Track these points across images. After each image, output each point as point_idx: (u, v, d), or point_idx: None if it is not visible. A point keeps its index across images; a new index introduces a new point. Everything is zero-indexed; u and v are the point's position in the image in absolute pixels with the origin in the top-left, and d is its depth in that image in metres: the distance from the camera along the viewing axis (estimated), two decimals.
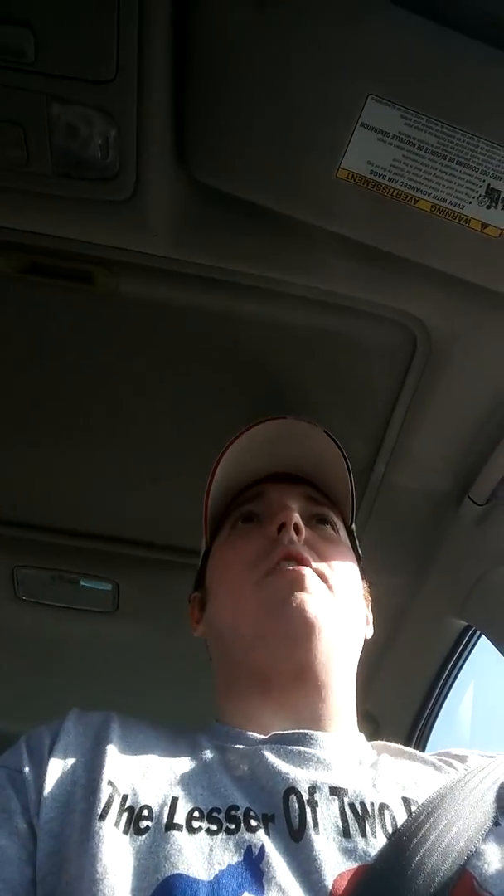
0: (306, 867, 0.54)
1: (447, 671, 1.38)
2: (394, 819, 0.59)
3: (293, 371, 0.97)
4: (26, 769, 0.62)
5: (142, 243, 0.79)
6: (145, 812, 0.58)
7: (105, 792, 0.59)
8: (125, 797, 0.59)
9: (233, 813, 0.59)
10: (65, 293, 0.88)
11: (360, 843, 0.57)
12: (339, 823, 0.58)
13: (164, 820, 0.57)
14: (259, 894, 0.52)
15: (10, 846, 0.56)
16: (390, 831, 0.58)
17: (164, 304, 0.89)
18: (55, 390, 1.02)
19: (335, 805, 0.60)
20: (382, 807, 0.60)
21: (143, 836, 0.56)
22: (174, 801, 0.59)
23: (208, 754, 0.67)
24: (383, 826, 0.58)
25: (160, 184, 0.72)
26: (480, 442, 1.01)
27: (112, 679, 1.64)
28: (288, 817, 0.58)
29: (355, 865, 0.55)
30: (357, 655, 0.81)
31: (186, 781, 0.62)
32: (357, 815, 0.59)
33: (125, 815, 0.58)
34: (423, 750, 1.48)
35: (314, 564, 0.77)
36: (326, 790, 0.61)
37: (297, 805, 0.59)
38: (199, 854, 0.54)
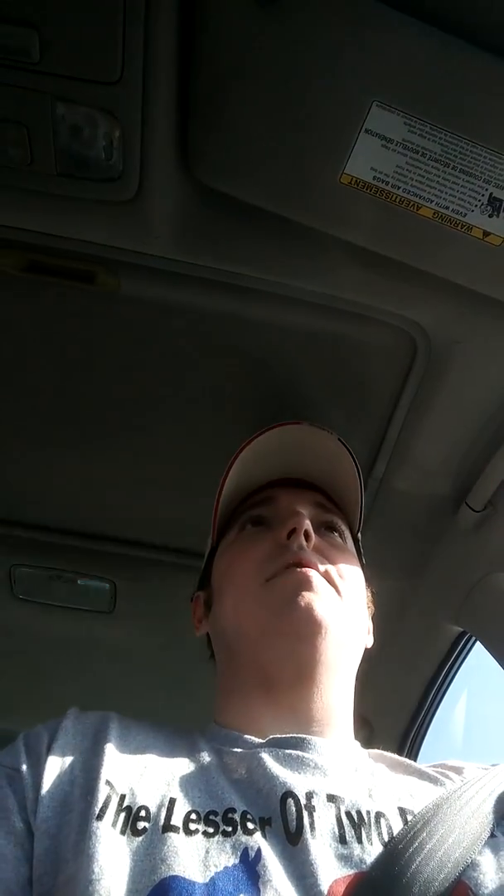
0: (302, 871, 0.54)
1: (442, 677, 1.38)
2: (390, 828, 0.59)
3: (294, 374, 0.97)
4: (24, 768, 0.62)
5: (144, 244, 0.80)
6: (143, 813, 0.58)
7: (103, 792, 0.59)
8: (123, 797, 0.59)
9: (230, 815, 0.59)
10: (66, 293, 0.88)
11: (357, 850, 0.57)
12: (336, 830, 0.58)
13: (162, 821, 0.57)
14: None
15: (6, 845, 0.56)
16: (386, 840, 0.58)
17: (166, 306, 0.89)
18: (55, 390, 1.02)
19: (332, 811, 0.60)
20: (379, 815, 0.60)
21: (140, 838, 0.56)
22: (172, 802, 0.59)
23: (206, 757, 0.67)
24: (379, 834, 0.58)
25: (163, 185, 0.72)
26: (479, 448, 1.02)
27: (108, 678, 1.64)
28: (285, 821, 0.58)
29: (351, 872, 0.55)
30: (357, 663, 0.82)
31: (184, 783, 0.62)
32: (353, 823, 0.59)
33: (122, 815, 0.58)
34: (416, 755, 1.50)
35: (322, 568, 0.77)
36: (324, 796, 0.61)
37: (294, 809, 0.59)
38: (196, 856, 0.54)
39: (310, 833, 0.57)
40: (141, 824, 0.57)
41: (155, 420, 1.05)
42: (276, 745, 0.68)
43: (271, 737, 0.69)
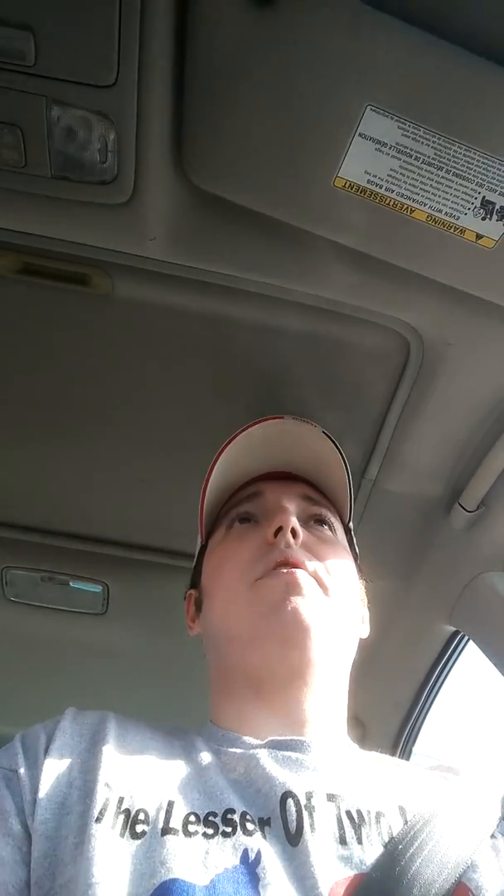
0: (302, 872, 0.54)
1: (435, 676, 1.38)
2: (390, 827, 0.59)
3: (287, 376, 0.97)
4: (21, 769, 0.62)
5: (138, 247, 0.80)
6: (141, 816, 0.58)
7: (101, 794, 0.59)
8: (121, 800, 0.59)
9: (229, 816, 0.58)
10: (60, 295, 0.88)
11: (357, 851, 0.56)
12: (336, 831, 0.58)
13: (161, 824, 0.57)
14: None
15: (4, 847, 0.56)
16: (386, 840, 0.58)
17: (160, 308, 0.89)
18: (47, 392, 1.02)
19: (332, 811, 0.60)
20: (379, 815, 0.60)
21: (139, 841, 0.55)
22: (170, 804, 0.59)
23: (204, 757, 0.67)
24: (380, 834, 0.58)
25: (158, 188, 0.72)
26: (472, 448, 1.02)
27: (101, 680, 1.63)
28: (285, 821, 0.58)
29: (351, 874, 0.55)
30: (352, 657, 0.81)
31: (183, 785, 0.62)
32: (353, 823, 0.59)
33: (121, 817, 0.57)
34: (408, 755, 1.50)
35: (310, 567, 0.76)
36: (323, 796, 0.61)
37: (294, 809, 0.59)
38: (196, 858, 0.54)
39: (310, 833, 0.57)
40: (140, 827, 0.57)
41: (148, 421, 1.05)
42: (274, 746, 0.67)
43: (270, 738, 0.69)
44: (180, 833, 0.56)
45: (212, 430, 0.96)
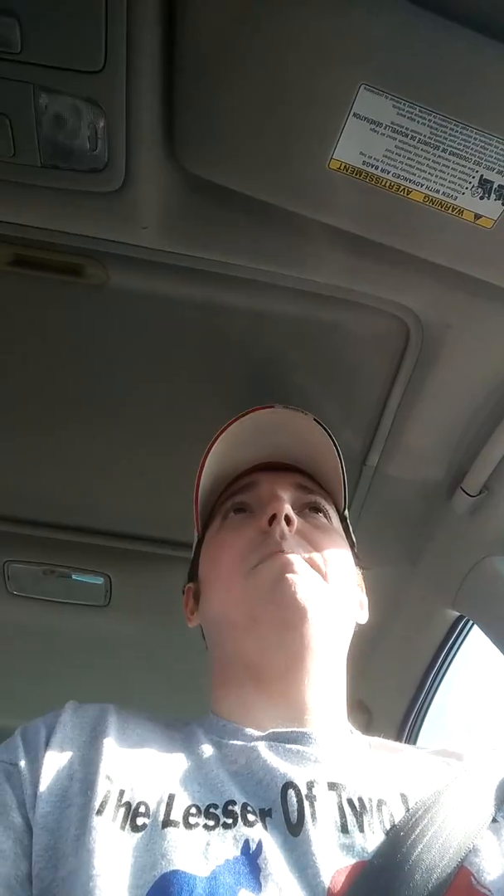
0: (304, 862, 0.54)
1: (440, 661, 1.38)
2: (391, 815, 0.59)
3: (286, 362, 0.97)
4: (22, 762, 0.62)
5: (131, 235, 0.79)
6: (142, 808, 0.58)
7: (102, 787, 0.59)
8: (122, 792, 0.59)
9: (230, 808, 0.58)
10: (54, 286, 0.87)
11: (358, 839, 0.56)
12: (338, 819, 0.58)
13: (161, 817, 0.57)
14: (256, 890, 0.52)
15: (5, 840, 0.56)
16: (388, 827, 0.58)
17: (155, 297, 0.88)
18: (44, 384, 1.01)
19: (333, 800, 0.60)
20: (380, 802, 0.60)
21: (140, 834, 0.56)
22: (171, 797, 0.59)
23: (205, 749, 0.67)
24: (381, 822, 0.58)
25: (150, 175, 0.71)
26: (473, 432, 1.02)
27: (105, 672, 1.64)
28: (286, 811, 0.58)
29: (353, 862, 0.55)
30: (349, 641, 0.81)
31: (183, 777, 0.62)
32: (355, 811, 0.59)
33: (122, 810, 0.57)
34: (415, 740, 1.51)
35: (305, 553, 0.77)
36: (324, 785, 0.61)
37: (295, 800, 0.59)
38: (197, 850, 0.54)
39: (311, 823, 0.57)
40: (140, 820, 0.57)
41: (146, 411, 1.04)
42: (275, 738, 0.67)
43: (271, 731, 0.69)
44: (181, 825, 0.56)
45: (211, 419, 0.95)
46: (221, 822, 0.57)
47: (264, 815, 0.58)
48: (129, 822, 0.57)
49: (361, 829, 0.57)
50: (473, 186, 0.66)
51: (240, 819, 0.57)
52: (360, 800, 0.60)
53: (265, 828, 0.57)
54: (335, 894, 0.52)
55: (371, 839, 0.57)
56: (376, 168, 0.66)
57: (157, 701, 1.57)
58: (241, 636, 0.76)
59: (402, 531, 1.21)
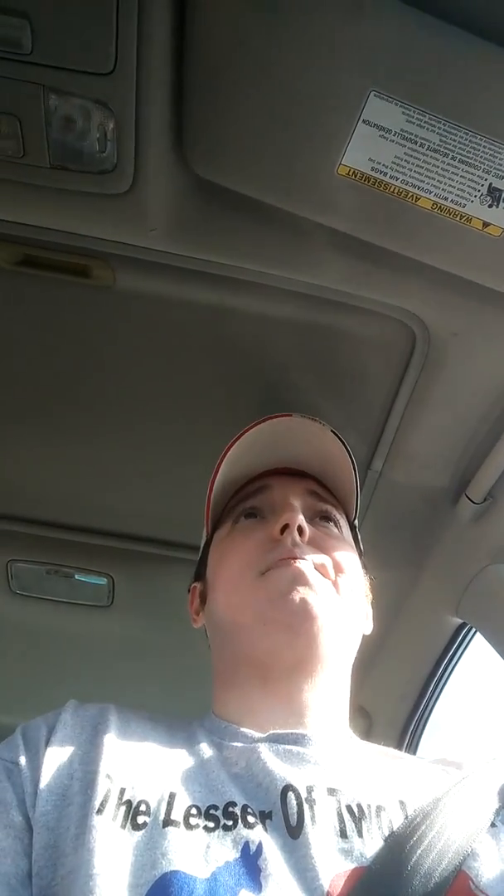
0: (303, 865, 0.54)
1: (442, 669, 1.38)
2: (390, 821, 0.59)
3: (291, 366, 0.97)
4: (23, 761, 0.62)
5: (139, 237, 0.79)
6: (143, 807, 0.58)
7: (102, 785, 0.59)
8: (122, 791, 0.59)
9: (230, 809, 0.59)
10: (61, 287, 0.87)
11: (357, 844, 0.56)
12: (337, 824, 0.58)
13: (162, 816, 0.57)
14: (256, 891, 0.52)
15: (5, 839, 0.56)
16: (386, 833, 0.58)
17: (162, 299, 0.88)
18: (50, 384, 1.01)
19: (333, 805, 0.60)
20: (379, 808, 0.60)
21: (141, 832, 0.56)
22: (172, 797, 0.59)
23: (206, 750, 0.67)
24: (380, 828, 0.58)
25: (158, 178, 0.71)
26: (478, 440, 1.01)
27: (107, 673, 1.64)
28: (286, 814, 0.58)
29: (352, 867, 0.55)
30: (354, 652, 0.81)
31: (184, 778, 0.62)
32: (354, 816, 0.59)
33: (122, 809, 0.58)
34: (416, 747, 1.50)
35: (317, 562, 0.77)
36: (324, 789, 0.61)
37: (295, 802, 0.59)
38: (197, 851, 0.54)
39: (311, 826, 0.57)
40: (141, 819, 0.57)
41: (151, 413, 1.04)
42: (275, 740, 0.67)
43: (271, 732, 0.69)
44: (181, 826, 0.56)
45: (215, 421, 0.95)
46: (222, 823, 0.57)
47: (264, 817, 0.58)
48: (129, 820, 0.57)
49: (360, 835, 0.57)
50: (482, 195, 0.66)
51: (240, 821, 0.57)
52: (359, 806, 0.60)
53: (265, 830, 0.57)
54: None
55: (370, 845, 0.57)
56: (385, 174, 0.66)
57: (158, 701, 1.57)
58: (248, 636, 0.76)
59: (406, 537, 1.21)
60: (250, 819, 0.58)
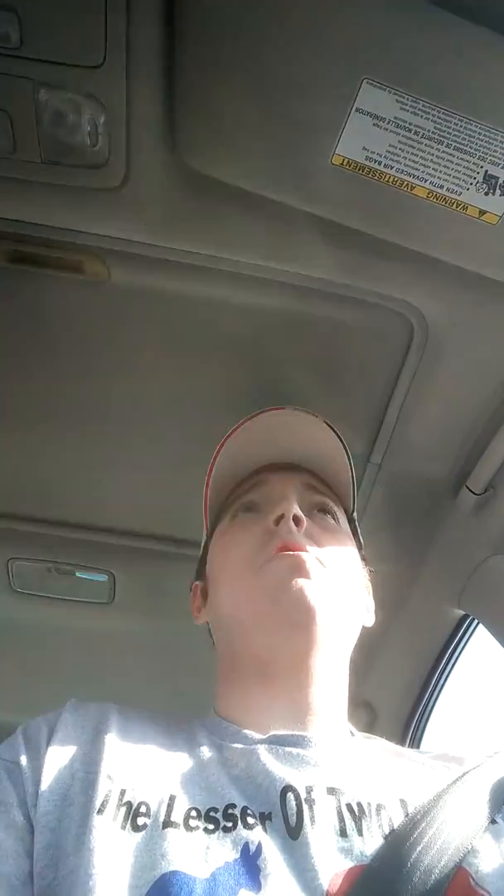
0: (303, 865, 0.54)
1: (444, 660, 1.38)
2: (390, 819, 0.59)
3: (289, 359, 0.96)
4: (23, 761, 0.62)
5: (133, 232, 0.78)
6: (143, 809, 0.58)
7: (104, 786, 0.59)
8: (123, 792, 0.59)
9: (230, 811, 0.58)
10: (55, 283, 0.87)
11: (357, 842, 0.56)
12: (336, 823, 0.58)
13: (162, 818, 0.57)
14: (256, 890, 0.52)
15: (6, 839, 0.56)
16: (386, 831, 0.58)
17: (157, 293, 0.88)
18: (48, 381, 1.01)
19: (332, 804, 0.59)
20: (379, 807, 0.60)
21: (141, 834, 0.56)
22: (172, 798, 0.59)
23: (206, 751, 0.67)
24: (380, 826, 0.58)
25: (151, 171, 0.71)
26: (478, 430, 1.01)
27: (108, 670, 1.64)
28: (285, 815, 0.58)
29: (351, 865, 0.55)
30: (353, 643, 0.81)
31: (185, 779, 0.62)
32: (354, 815, 0.59)
33: (123, 809, 0.58)
34: (419, 739, 1.50)
35: (312, 552, 0.76)
36: (323, 789, 0.61)
37: (294, 803, 0.59)
38: (196, 851, 0.54)
39: (310, 827, 0.57)
40: (141, 820, 0.57)
41: (150, 409, 1.04)
42: (275, 742, 0.67)
43: (272, 734, 0.69)
44: (181, 827, 0.56)
45: (214, 416, 0.95)
46: (221, 825, 0.57)
47: (264, 818, 0.58)
48: (129, 821, 0.57)
49: (360, 834, 0.57)
50: (478, 182, 0.66)
51: (239, 822, 0.57)
52: (360, 804, 0.60)
53: (265, 830, 0.57)
54: None
55: (370, 843, 0.57)
56: (379, 163, 0.65)
57: (160, 698, 1.57)
58: (248, 633, 0.76)
59: (407, 529, 1.20)
60: (250, 820, 0.58)
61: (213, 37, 0.61)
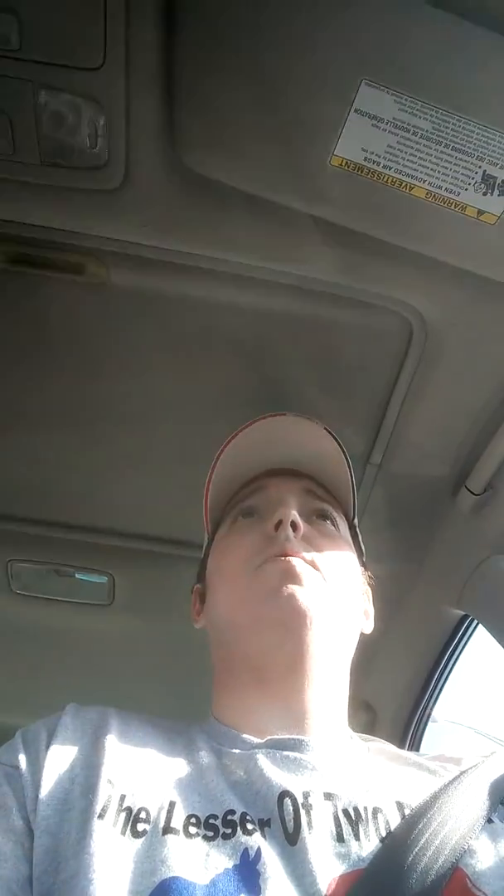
0: (301, 871, 0.54)
1: (444, 661, 1.38)
2: (387, 823, 0.59)
3: (288, 361, 0.96)
4: (23, 766, 0.62)
5: (132, 233, 0.78)
6: (143, 814, 0.58)
7: (104, 790, 0.59)
8: (123, 797, 0.59)
9: (229, 818, 0.59)
10: (54, 284, 0.87)
11: (354, 847, 0.57)
12: (333, 828, 0.58)
13: (161, 824, 0.57)
14: (255, 894, 0.52)
15: (5, 843, 0.56)
16: (383, 835, 0.58)
17: (157, 295, 0.88)
18: (48, 383, 1.01)
19: (329, 809, 0.60)
20: (376, 811, 0.60)
21: (141, 840, 0.56)
22: (171, 805, 0.59)
23: (205, 756, 0.67)
24: (377, 829, 0.58)
25: (150, 173, 0.71)
26: (477, 431, 1.01)
27: (108, 672, 1.64)
28: (283, 821, 0.58)
29: (349, 870, 0.55)
30: (352, 650, 0.81)
31: (184, 785, 0.62)
32: (350, 820, 0.59)
33: (123, 815, 0.58)
34: (419, 740, 1.50)
35: (308, 557, 0.76)
36: (320, 795, 0.61)
37: (291, 809, 0.59)
38: (196, 859, 0.55)
39: (308, 832, 0.57)
40: (141, 826, 0.57)
41: (150, 411, 1.04)
42: (273, 746, 0.67)
43: (269, 738, 0.69)
44: (181, 834, 0.57)
45: (214, 417, 0.95)
46: (221, 832, 0.57)
47: (263, 824, 0.59)
48: (129, 827, 0.57)
49: (357, 838, 0.57)
50: (476, 182, 0.66)
51: (239, 828, 0.58)
52: (356, 809, 0.60)
53: (263, 837, 0.57)
54: None
55: (367, 847, 0.57)
56: (378, 164, 0.65)
57: (159, 700, 1.57)
58: (244, 637, 0.76)
59: (406, 529, 1.20)
60: (249, 826, 0.58)
61: (212, 39, 0.61)
